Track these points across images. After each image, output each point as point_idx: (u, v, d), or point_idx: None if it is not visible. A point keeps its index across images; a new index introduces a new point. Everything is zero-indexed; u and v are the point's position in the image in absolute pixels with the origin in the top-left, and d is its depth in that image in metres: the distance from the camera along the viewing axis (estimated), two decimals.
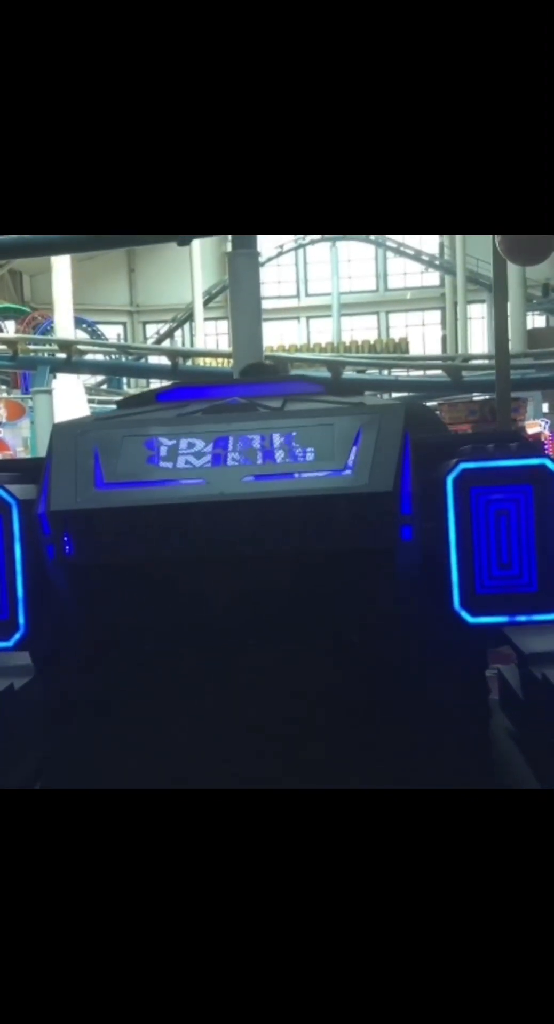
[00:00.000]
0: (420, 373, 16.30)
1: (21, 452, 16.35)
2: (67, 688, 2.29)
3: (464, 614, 2.07)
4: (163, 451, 2.07)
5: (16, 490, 2.10)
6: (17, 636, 2.11)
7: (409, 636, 2.21)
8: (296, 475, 2.02)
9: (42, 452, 2.23)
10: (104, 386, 21.51)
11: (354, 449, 2.03)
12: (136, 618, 2.16)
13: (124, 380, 21.88)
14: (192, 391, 2.54)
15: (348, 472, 2.01)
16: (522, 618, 2.09)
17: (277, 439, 2.07)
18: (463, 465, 2.06)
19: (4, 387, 20.29)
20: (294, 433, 2.08)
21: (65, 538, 2.04)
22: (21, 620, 2.10)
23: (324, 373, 13.19)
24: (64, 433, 2.13)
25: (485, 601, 2.07)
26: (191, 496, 2.01)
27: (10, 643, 2.11)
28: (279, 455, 2.05)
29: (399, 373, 16.25)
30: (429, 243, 32.39)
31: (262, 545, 2.01)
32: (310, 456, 2.04)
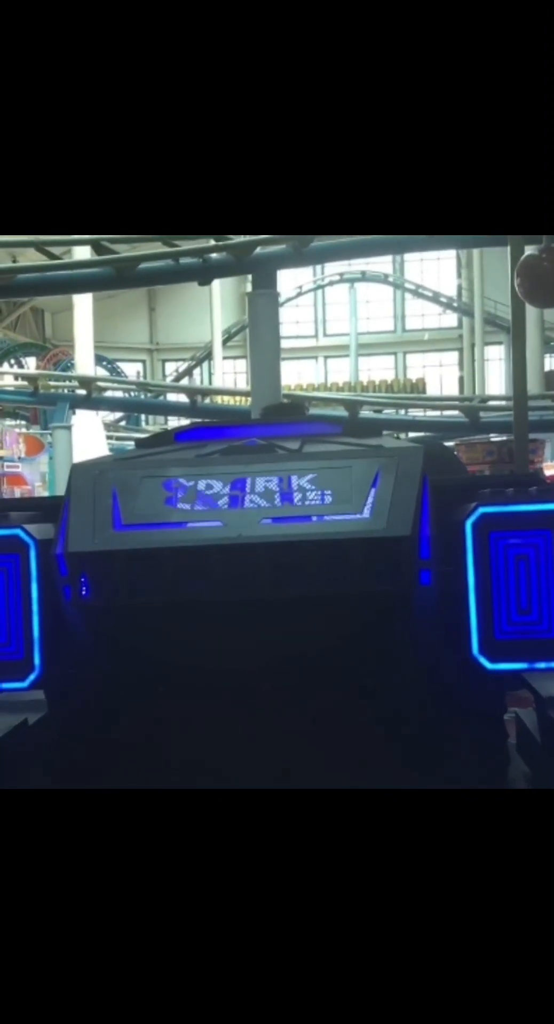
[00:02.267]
0: (437, 413, 16.29)
1: (39, 487, 16.47)
2: (79, 728, 2.27)
3: (483, 660, 2.05)
4: (181, 492, 2.07)
5: (34, 529, 2.10)
6: (32, 676, 2.10)
7: (426, 680, 2.18)
8: (314, 518, 2.02)
9: (60, 487, 2.25)
10: (123, 423, 21.64)
11: (372, 492, 2.02)
12: (151, 659, 2.15)
13: (142, 417, 22.01)
14: (210, 431, 2.55)
15: (366, 515, 2.00)
16: (541, 665, 2.07)
17: (295, 481, 2.07)
18: (482, 509, 2.05)
19: (24, 423, 20.46)
20: (312, 475, 2.07)
21: (82, 579, 2.03)
22: (36, 660, 2.09)
23: (341, 412, 13.21)
24: (83, 473, 2.13)
25: (504, 647, 2.05)
26: (209, 539, 2.00)
27: (25, 683, 2.11)
28: (297, 497, 2.04)
29: (416, 413, 16.25)
30: (447, 285, 32.55)
31: (279, 588, 2.00)
32: (328, 499, 2.03)
